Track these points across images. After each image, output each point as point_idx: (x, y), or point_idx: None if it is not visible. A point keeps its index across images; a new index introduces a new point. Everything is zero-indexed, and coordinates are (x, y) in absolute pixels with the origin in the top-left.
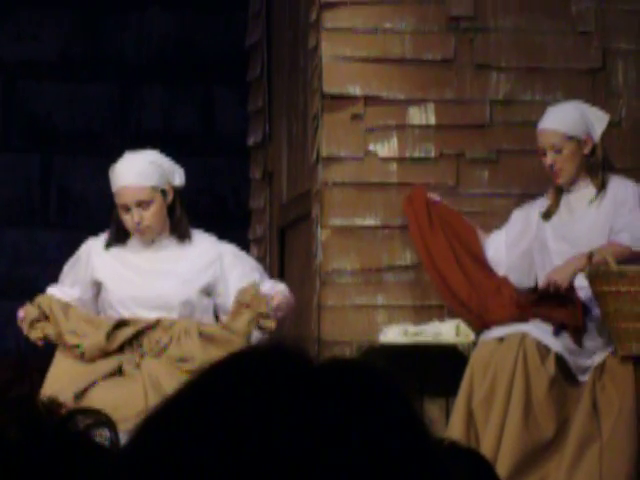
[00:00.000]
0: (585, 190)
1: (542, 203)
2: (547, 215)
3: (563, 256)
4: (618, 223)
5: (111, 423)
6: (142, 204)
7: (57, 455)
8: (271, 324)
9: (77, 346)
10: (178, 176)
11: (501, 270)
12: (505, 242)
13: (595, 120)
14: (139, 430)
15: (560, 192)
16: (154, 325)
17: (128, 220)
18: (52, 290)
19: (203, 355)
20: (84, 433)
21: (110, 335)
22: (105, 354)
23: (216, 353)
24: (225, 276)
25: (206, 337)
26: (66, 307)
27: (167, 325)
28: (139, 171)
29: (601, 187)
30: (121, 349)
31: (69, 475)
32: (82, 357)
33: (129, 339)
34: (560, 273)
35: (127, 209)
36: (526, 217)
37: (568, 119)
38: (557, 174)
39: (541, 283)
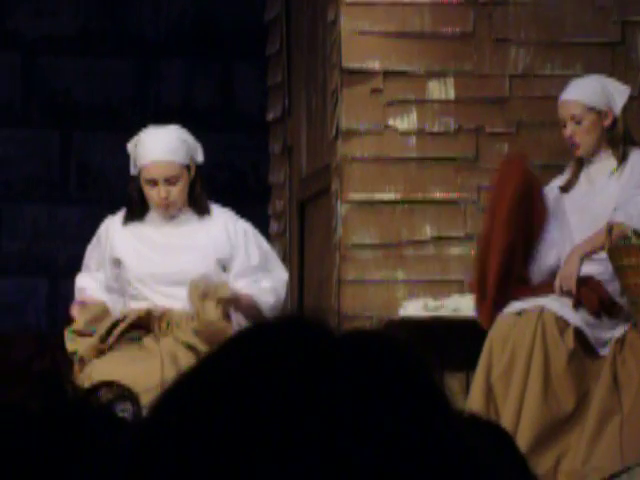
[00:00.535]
0: (606, 162)
1: (561, 179)
2: (566, 188)
3: (583, 228)
4: (620, 198)
5: (134, 397)
6: (170, 180)
7: (79, 428)
8: (230, 305)
9: (74, 353)
10: (200, 153)
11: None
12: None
13: (616, 93)
14: (158, 404)
15: (581, 165)
16: (145, 314)
17: (154, 195)
18: (83, 281)
19: (202, 346)
20: (107, 407)
21: (103, 336)
22: (102, 352)
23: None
24: (233, 256)
25: (196, 332)
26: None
27: (158, 314)
28: (169, 147)
29: (622, 159)
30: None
31: (91, 448)
32: (81, 361)
33: (123, 332)
34: (566, 276)
35: (154, 184)
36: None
37: (589, 91)
38: (577, 145)
39: (555, 286)
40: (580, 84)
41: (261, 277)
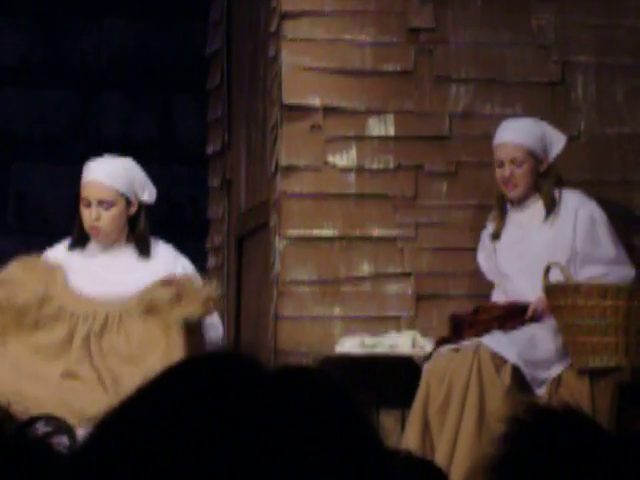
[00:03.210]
0: (534, 207)
1: (490, 228)
2: (496, 235)
3: (524, 275)
4: (591, 254)
5: (70, 430)
6: (103, 203)
7: (15, 462)
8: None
9: None
10: (148, 193)
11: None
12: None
13: (554, 140)
14: (93, 435)
15: (504, 211)
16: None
17: (86, 215)
18: None
19: (142, 331)
20: (43, 440)
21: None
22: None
23: (156, 324)
24: None
25: (149, 307)
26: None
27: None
28: (110, 172)
29: (551, 206)
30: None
31: None
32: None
33: (56, 315)
34: (543, 302)
35: (88, 204)
36: (483, 248)
37: (531, 135)
38: (514, 185)
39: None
40: (521, 127)
41: None
